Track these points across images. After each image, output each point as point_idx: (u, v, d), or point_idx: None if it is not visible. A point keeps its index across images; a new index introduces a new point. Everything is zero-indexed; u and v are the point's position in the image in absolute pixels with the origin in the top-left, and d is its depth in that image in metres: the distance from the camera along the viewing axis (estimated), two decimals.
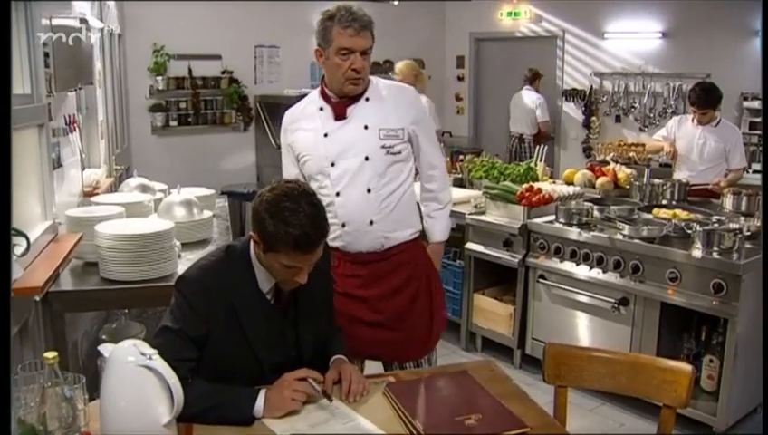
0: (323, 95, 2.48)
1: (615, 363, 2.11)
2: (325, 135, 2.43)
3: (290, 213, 1.80)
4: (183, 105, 6.56)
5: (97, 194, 3.86)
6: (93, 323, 3.81)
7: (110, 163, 4.80)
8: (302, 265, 1.85)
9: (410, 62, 5.73)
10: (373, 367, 2.65)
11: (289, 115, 2.56)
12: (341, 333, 2.26)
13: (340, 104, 2.44)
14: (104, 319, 3.80)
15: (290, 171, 2.57)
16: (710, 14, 6.23)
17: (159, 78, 6.33)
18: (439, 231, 2.67)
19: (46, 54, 3.03)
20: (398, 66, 5.63)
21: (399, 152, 2.46)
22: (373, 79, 2.53)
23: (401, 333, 2.50)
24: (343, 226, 2.43)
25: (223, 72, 6.71)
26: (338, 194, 2.42)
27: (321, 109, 2.46)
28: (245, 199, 6.12)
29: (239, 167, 6.84)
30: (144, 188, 4.00)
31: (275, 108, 6.56)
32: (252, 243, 1.95)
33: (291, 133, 2.53)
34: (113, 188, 4.29)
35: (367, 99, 2.45)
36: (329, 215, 2.46)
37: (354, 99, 2.44)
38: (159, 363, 1.59)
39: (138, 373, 1.58)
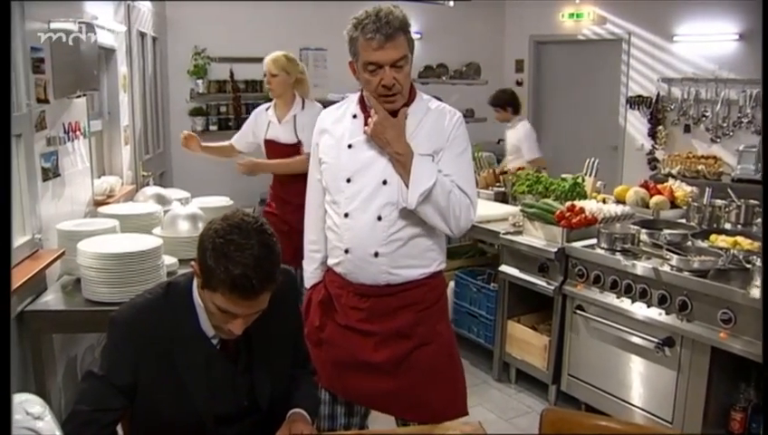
0: (361, 102, 2.20)
1: None
2: (349, 146, 2.16)
3: (235, 248, 1.54)
4: (224, 109, 6.42)
5: (109, 203, 3.73)
6: (101, 338, 3.67)
7: (136, 170, 4.68)
8: (237, 311, 1.58)
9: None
10: (381, 418, 2.35)
11: (323, 114, 2.32)
12: (312, 377, 1.99)
13: None
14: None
15: (313, 175, 2.32)
16: None
17: (200, 81, 6.21)
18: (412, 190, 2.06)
19: (41, 60, 2.89)
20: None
21: None
22: (425, 97, 2.22)
23: (402, 383, 2.18)
24: (347, 252, 2.16)
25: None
26: (346, 215, 2.14)
27: (355, 116, 2.19)
28: None
29: None
30: (159, 198, 3.85)
31: None
32: (195, 279, 1.69)
33: (318, 134, 2.27)
34: (134, 196, 4.14)
35: (406, 116, 2.13)
36: (334, 236, 2.20)
37: (392, 114, 2.12)
38: (46, 426, 1.37)
39: None
